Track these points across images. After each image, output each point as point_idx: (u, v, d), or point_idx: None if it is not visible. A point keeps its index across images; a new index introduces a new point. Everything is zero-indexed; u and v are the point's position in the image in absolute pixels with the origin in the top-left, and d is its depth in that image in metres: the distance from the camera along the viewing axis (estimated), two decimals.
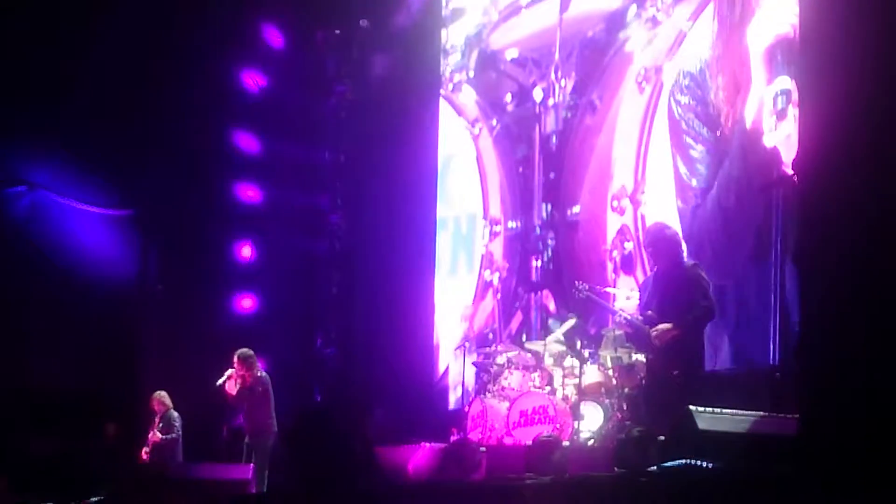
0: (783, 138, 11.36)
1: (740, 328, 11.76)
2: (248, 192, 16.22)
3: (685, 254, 10.11)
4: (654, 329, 9.63)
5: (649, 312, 9.77)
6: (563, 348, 12.32)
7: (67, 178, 15.03)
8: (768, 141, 11.63)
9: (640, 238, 13.21)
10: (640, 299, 10.37)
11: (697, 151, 12.67)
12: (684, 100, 12.88)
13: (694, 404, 7.52)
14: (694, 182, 12.68)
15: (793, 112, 11.11)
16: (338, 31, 16.54)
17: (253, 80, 16.33)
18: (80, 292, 14.61)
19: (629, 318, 10.04)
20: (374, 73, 16.58)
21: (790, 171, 10.65)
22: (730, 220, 12.21)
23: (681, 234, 10.91)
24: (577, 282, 11.37)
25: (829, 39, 6.26)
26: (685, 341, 9.58)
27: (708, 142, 12.54)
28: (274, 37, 16.54)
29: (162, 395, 13.86)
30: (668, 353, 9.58)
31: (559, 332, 12.70)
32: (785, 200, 11.15)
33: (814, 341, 6.23)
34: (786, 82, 11.33)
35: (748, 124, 11.95)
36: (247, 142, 16.22)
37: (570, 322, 12.63)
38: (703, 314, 9.72)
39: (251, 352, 12.69)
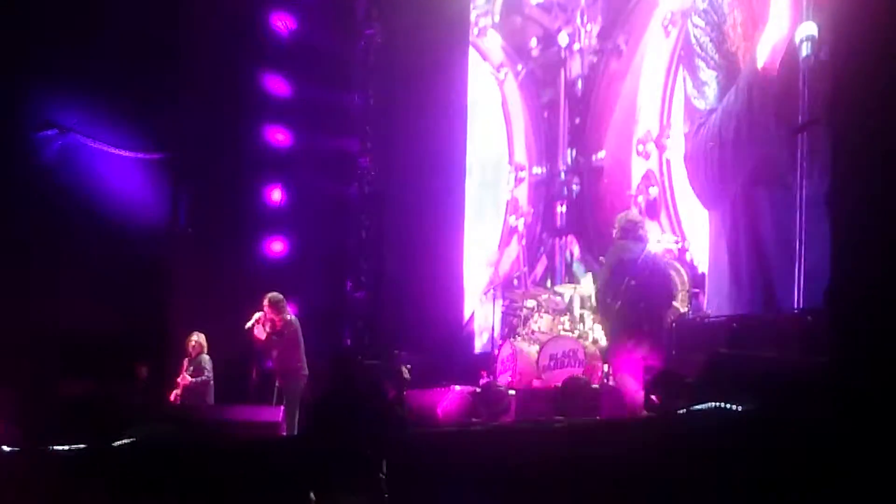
0: (809, 83, 11.26)
1: (765, 272, 11.73)
2: (278, 136, 16.24)
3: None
4: None
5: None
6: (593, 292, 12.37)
7: (98, 121, 15.08)
8: (795, 86, 11.52)
9: (666, 183, 13.21)
10: None
11: (707, 75, 12.62)
12: (701, 23, 12.81)
13: (723, 347, 7.57)
14: (701, 104, 12.66)
15: (818, 58, 11.01)
16: None
17: (283, 23, 16.30)
18: (112, 236, 14.68)
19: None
20: (404, 15, 16.50)
21: (816, 116, 10.61)
22: (725, 151, 12.22)
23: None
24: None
25: None
26: None
27: (719, 67, 12.50)
28: None
29: (199, 337, 13.86)
30: None
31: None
32: (810, 145, 11.09)
33: (844, 284, 6.26)
34: (811, 28, 11.21)
35: (759, 64, 11.86)
36: (276, 85, 16.22)
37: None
38: None
39: (280, 296, 12.75)
